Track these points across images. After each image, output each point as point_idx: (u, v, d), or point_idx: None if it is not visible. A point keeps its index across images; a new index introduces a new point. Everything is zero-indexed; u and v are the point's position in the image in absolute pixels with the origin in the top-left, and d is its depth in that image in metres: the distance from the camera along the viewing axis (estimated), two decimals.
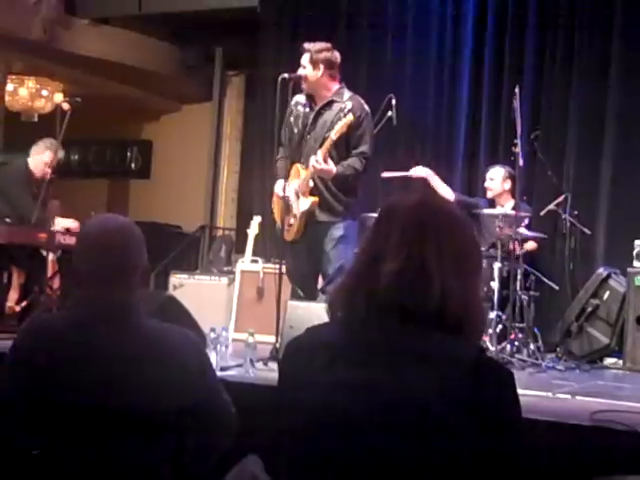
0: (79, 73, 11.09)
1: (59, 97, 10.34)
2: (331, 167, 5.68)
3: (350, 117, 5.70)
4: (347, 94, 5.93)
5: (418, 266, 1.78)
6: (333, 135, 5.69)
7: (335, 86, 5.95)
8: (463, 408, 1.68)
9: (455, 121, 8.77)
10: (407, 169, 7.58)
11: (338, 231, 5.84)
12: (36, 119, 11.63)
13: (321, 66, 5.85)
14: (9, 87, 11.23)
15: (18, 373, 2.41)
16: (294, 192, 5.88)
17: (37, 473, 2.37)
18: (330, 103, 5.90)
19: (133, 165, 13.11)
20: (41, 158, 7.39)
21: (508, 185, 7.28)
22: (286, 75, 5.87)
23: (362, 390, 1.74)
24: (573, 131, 8.13)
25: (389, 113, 6.69)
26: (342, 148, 5.79)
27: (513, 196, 7.07)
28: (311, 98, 6.01)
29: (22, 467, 2.41)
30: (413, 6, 9.09)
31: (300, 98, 6.02)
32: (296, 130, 5.98)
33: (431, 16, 9.00)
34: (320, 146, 5.76)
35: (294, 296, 5.99)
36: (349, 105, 5.80)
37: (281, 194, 5.82)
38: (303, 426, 1.79)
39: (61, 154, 7.39)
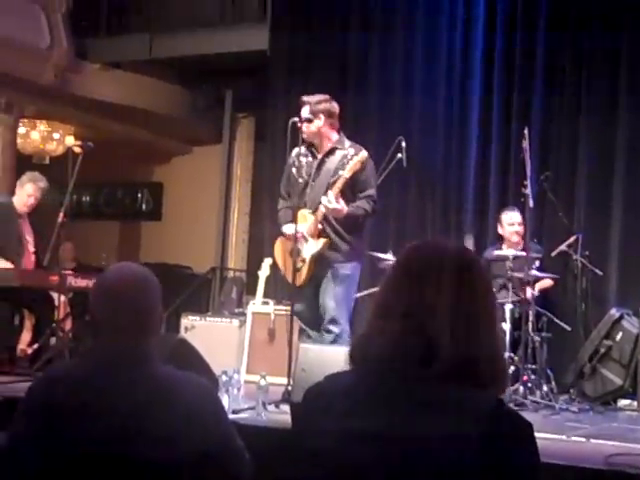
0: (90, 117, 11.18)
1: (70, 140, 10.38)
2: (343, 206, 5.77)
3: (364, 154, 5.82)
4: (347, 142, 6.07)
5: (435, 319, 1.77)
6: (346, 173, 5.79)
7: (335, 135, 6.08)
8: (480, 460, 1.67)
9: (464, 163, 8.79)
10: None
11: (344, 270, 5.93)
12: (47, 161, 11.70)
13: (321, 116, 5.99)
14: (21, 130, 11.32)
15: (32, 421, 2.39)
16: (301, 236, 5.92)
17: None
18: (332, 150, 6.02)
19: (144, 207, 13.18)
20: (24, 192, 7.44)
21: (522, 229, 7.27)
22: (297, 119, 5.94)
23: (379, 439, 1.73)
24: (583, 171, 8.14)
25: (399, 155, 6.76)
26: (348, 193, 5.88)
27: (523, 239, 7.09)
28: (312, 148, 6.12)
29: None
30: (422, 46, 9.15)
31: (301, 150, 6.10)
32: (301, 180, 6.07)
33: (439, 60, 9.04)
34: (326, 191, 5.85)
35: (302, 337, 6.02)
36: (352, 151, 5.93)
37: (293, 232, 5.84)
38: (320, 473, 1.78)
39: (43, 184, 7.44)
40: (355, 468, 1.74)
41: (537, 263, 6.92)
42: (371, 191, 5.94)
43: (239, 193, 11.90)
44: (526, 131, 6.62)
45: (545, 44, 8.42)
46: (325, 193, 5.83)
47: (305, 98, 6.04)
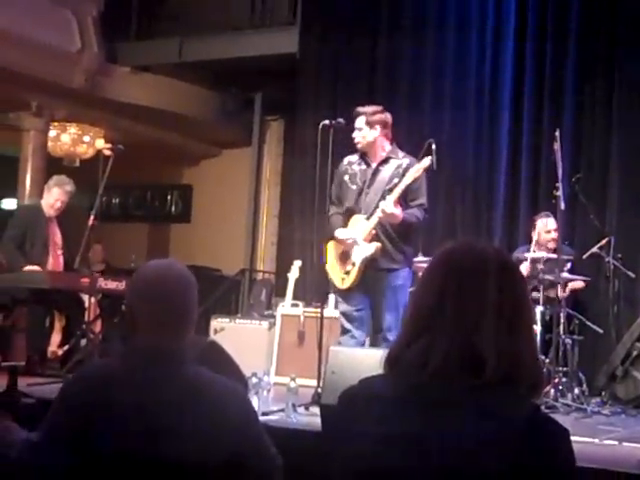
0: (120, 119, 11.23)
1: (100, 143, 10.43)
2: (400, 212, 5.81)
3: (426, 162, 5.87)
4: (401, 153, 6.11)
5: (478, 329, 1.76)
6: (407, 179, 5.84)
7: (389, 145, 6.11)
8: (517, 466, 1.65)
9: (495, 166, 8.75)
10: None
11: (397, 280, 5.94)
12: (78, 164, 11.76)
13: (377, 127, 6.01)
14: (52, 133, 11.39)
15: (66, 418, 2.39)
16: (353, 241, 5.96)
17: None
18: (387, 160, 6.05)
19: (173, 209, 13.23)
20: (51, 196, 7.47)
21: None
22: (327, 122, 6.00)
23: (415, 444, 1.72)
24: (615, 172, 8.09)
25: (429, 158, 6.71)
26: (401, 201, 5.91)
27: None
28: (365, 156, 6.14)
29: None
30: (452, 49, 9.12)
31: (352, 158, 6.14)
32: (354, 187, 6.08)
33: (470, 60, 9.03)
34: (382, 198, 5.88)
35: (345, 337, 6.00)
36: (407, 161, 5.98)
37: (344, 237, 5.96)
38: (353, 477, 1.76)
39: (69, 187, 7.46)
40: (390, 473, 1.72)
41: (568, 265, 6.88)
42: (423, 199, 5.97)
43: (268, 196, 11.91)
44: (557, 133, 6.58)
45: (576, 44, 8.37)
46: (380, 200, 5.87)
47: (360, 109, 6.06)
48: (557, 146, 6.54)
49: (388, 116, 6.09)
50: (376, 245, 5.87)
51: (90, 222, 6.99)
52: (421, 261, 6.85)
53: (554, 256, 6.59)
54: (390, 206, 5.76)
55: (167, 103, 10.96)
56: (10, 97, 10.33)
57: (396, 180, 5.88)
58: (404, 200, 5.91)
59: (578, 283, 7.13)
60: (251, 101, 11.69)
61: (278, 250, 11.39)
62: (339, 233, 6.04)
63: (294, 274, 8.26)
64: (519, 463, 1.66)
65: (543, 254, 6.78)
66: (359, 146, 6.05)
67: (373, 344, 5.95)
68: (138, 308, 2.46)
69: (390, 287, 5.90)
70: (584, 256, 7.22)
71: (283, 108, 11.42)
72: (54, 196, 7.43)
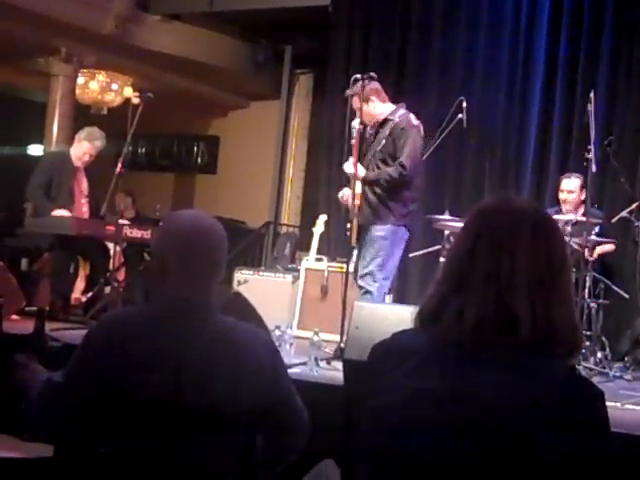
0: (149, 68, 11.19)
1: (129, 91, 10.43)
2: (360, 172, 6.08)
3: (396, 122, 6.14)
4: (400, 111, 6.29)
5: (514, 289, 1.74)
6: (378, 142, 6.17)
7: (388, 107, 6.33)
8: (551, 426, 1.64)
9: (526, 126, 8.66)
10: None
11: (378, 232, 6.18)
12: (105, 112, 11.75)
13: (372, 97, 6.24)
14: (80, 80, 11.37)
15: (90, 364, 2.38)
16: (347, 198, 6.24)
17: (104, 470, 2.35)
18: (385, 121, 6.27)
19: (200, 160, 13.21)
20: (80, 148, 7.43)
21: (583, 195, 7.13)
22: (358, 75, 6.13)
23: (449, 399, 1.71)
24: None
25: (459, 115, 6.71)
26: (389, 158, 6.17)
27: (584, 203, 6.97)
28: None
29: (89, 465, 2.40)
30: (487, 7, 8.99)
31: (357, 122, 6.30)
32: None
33: (505, 16, 8.90)
34: (375, 158, 6.22)
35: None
36: (397, 120, 6.19)
37: (342, 196, 6.35)
38: (386, 430, 1.76)
39: (99, 143, 7.41)
40: (421, 426, 1.72)
41: (597, 229, 6.80)
42: (402, 157, 6.11)
43: (295, 150, 11.86)
44: (592, 94, 6.48)
45: (614, 5, 8.23)
46: (374, 160, 6.19)
47: (349, 91, 6.22)
48: (591, 108, 6.44)
49: (375, 82, 6.26)
50: (356, 203, 6.09)
51: (117, 170, 6.98)
52: (446, 219, 6.82)
53: (583, 219, 6.52)
54: (348, 166, 6.08)
55: (197, 53, 10.90)
56: (40, 42, 10.31)
57: (383, 141, 6.14)
58: (391, 158, 6.15)
59: (606, 247, 7.06)
60: (281, 53, 11.60)
61: (303, 204, 11.38)
62: (340, 193, 6.40)
63: (319, 229, 8.24)
64: (553, 423, 1.65)
65: (571, 216, 6.71)
66: (371, 123, 6.28)
67: None
68: (170, 258, 2.44)
69: (371, 238, 6.18)
70: (613, 220, 7.13)
71: (313, 62, 11.35)
72: (83, 149, 7.41)
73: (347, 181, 6.32)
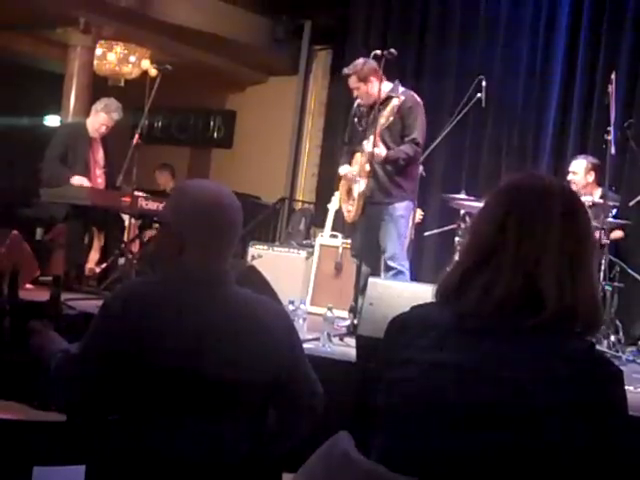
0: (167, 40, 11.14)
1: (146, 63, 10.39)
2: (380, 151, 6.01)
3: (401, 99, 6.04)
4: (401, 89, 6.30)
5: (541, 268, 1.73)
6: (382, 120, 6.04)
7: (388, 85, 6.28)
8: (570, 404, 1.65)
9: (545, 106, 8.61)
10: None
11: (396, 211, 6.18)
12: (122, 84, 11.72)
13: (371, 77, 6.20)
14: (98, 52, 11.33)
15: (107, 335, 2.38)
16: (354, 177, 6.25)
17: (116, 439, 2.36)
18: (388, 99, 6.19)
19: (216, 134, 13.17)
20: (97, 119, 7.42)
21: (592, 177, 7.07)
22: (378, 52, 6.06)
23: (469, 374, 1.71)
24: None
25: (478, 94, 6.71)
26: (397, 136, 6.16)
27: (599, 185, 6.92)
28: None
29: (103, 433, 2.41)
30: None
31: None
32: (361, 128, 6.34)
33: None
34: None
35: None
36: (402, 98, 6.12)
37: (344, 174, 6.36)
38: (403, 402, 1.76)
39: (116, 115, 7.39)
40: (440, 399, 1.72)
41: (613, 211, 6.76)
42: (414, 134, 6.14)
43: (311, 126, 11.82)
44: (613, 76, 6.43)
45: None
46: (384, 138, 6.14)
47: (346, 70, 6.27)
48: (612, 89, 6.40)
49: (372, 62, 6.24)
50: (365, 181, 6.08)
51: (134, 141, 6.97)
52: (463, 199, 6.80)
53: (600, 201, 6.49)
54: (369, 146, 6.01)
55: (215, 26, 10.84)
56: (58, 12, 10.27)
57: (391, 119, 6.07)
58: (400, 135, 6.16)
59: (618, 232, 7.00)
60: (300, 29, 11.54)
61: (319, 181, 11.35)
62: (341, 170, 6.40)
63: (334, 205, 8.23)
64: (572, 400, 1.65)
65: (589, 198, 6.68)
66: (368, 102, 6.24)
67: (374, 273, 6.11)
68: (187, 229, 2.42)
69: (390, 218, 6.17)
70: (630, 203, 7.10)
71: (332, 38, 11.28)
72: (100, 120, 7.39)
73: (348, 159, 6.37)
